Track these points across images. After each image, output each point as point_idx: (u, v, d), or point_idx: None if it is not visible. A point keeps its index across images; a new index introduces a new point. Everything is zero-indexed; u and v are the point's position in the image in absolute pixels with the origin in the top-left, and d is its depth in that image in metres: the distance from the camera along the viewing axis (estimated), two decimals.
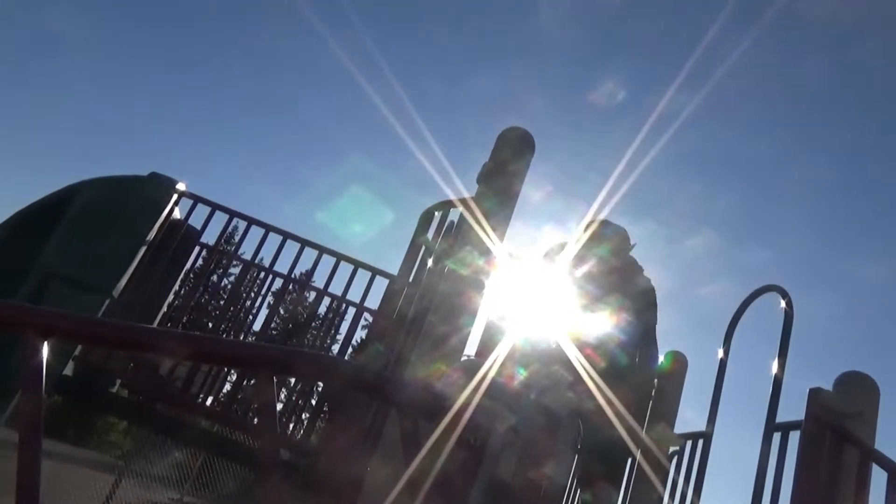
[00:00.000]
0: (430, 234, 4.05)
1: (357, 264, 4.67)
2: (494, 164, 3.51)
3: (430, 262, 3.96)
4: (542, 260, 3.44)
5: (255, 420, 4.18)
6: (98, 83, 54.46)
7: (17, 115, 52.39)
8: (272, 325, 5.96)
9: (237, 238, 4.80)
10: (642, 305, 2.77)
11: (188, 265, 4.77)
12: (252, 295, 5.06)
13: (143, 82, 56.29)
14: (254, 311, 4.99)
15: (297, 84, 56.90)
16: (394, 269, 4.55)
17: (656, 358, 3.00)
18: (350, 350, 5.89)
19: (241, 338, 4.93)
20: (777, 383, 3.13)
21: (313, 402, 5.09)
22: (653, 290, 3.26)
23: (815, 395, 2.94)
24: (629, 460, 3.48)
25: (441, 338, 3.09)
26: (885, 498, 2.63)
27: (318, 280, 4.82)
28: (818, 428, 2.68)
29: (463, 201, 3.55)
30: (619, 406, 2.68)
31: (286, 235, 4.60)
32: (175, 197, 4.48)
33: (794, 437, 2.95)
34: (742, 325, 3.63)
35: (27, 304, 1.24)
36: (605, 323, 3.07)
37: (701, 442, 3.57)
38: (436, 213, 4.04)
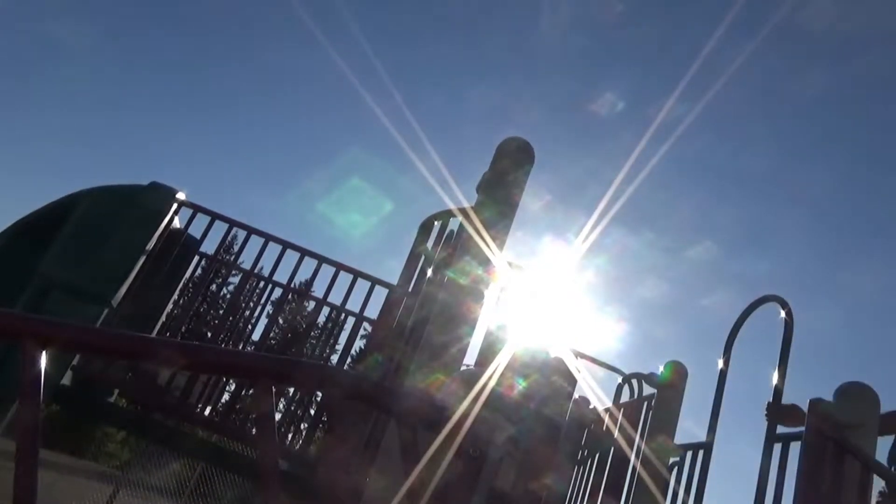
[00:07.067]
0: (430, 244, 4.06)
1: (356, 274, 4.67)
2: (494, 173, 3.52)
3: (429, 272, 3.96)
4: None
5: (254, 430, 4.16)
6: (98, 92, 54.64)
7: (17, 123, 52.54)
8: (271, 335, 5.95)
9: (237, 247, 4.81)
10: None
11: (187, 274, 4.77)
12: (251, 304, 5.06)
13: (144, 91, 56.50)
14: (253, 320, 5.00)
15: (298, 93, 57.10)
16: (393, 279, 4.55)
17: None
18: (349, 360, 5.87)
19: (241, 347, 4.92)
20: (777, 394, 3.13)
21: (312, 412, 5.08)
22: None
23: (815, 405, 2.93)
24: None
25: (440, 348, 3.09)
26: None
27: (318, 290, 4.83)
28: (819, 439, 2.67)
29: (462, 211, 3.56)
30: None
31: (286, 245, 4.60)
32: (175, 206, 4.49)
33: (795, 447, 2.94)
34: (742, 335, 3.63)
35: (26, 312, 1.24)
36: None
37: (701, 452, 3.56)
38: (435, 223, 4.04)
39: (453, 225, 3.88)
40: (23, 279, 4.03)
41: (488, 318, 3.58)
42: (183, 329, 4.79)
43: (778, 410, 3.04)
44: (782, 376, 3.12)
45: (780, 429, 3.07)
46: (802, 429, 2.84)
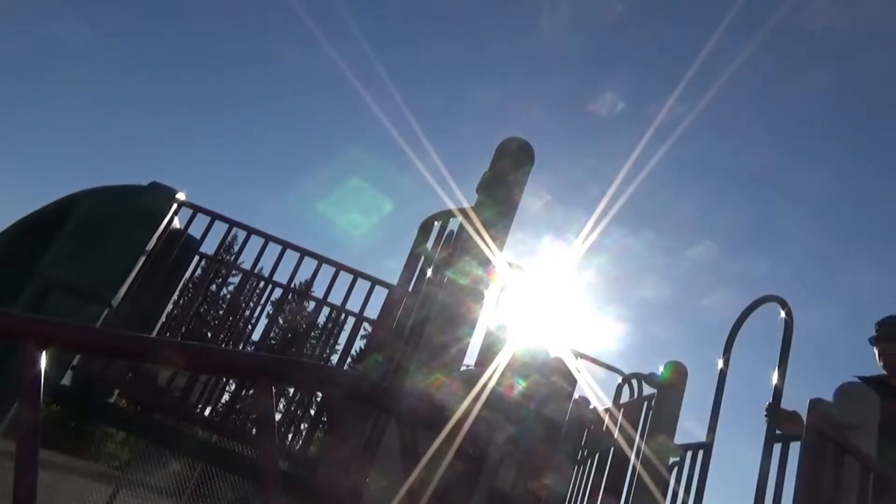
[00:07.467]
0: (430, 244, 4.06)
1: (356, 274, 4.67)
2: (494, 173, 3.52)
3: (429, 272, 3.96)
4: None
5: (254, 430, 4.16)
6: (98, 92, 54.65)
7: (17, 123, 52.54)
8: (271, 335, 5.95)
9: (237, 247, 4.80)
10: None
11: (187, 275, 4.77)
12: (251, 304, 5.06)
13: (144, 91, 56.50)
14: (253, 320, 5.00)
15: (298, 93, 57.10)
16: (393, 279, 4.55)
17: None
18: (349, 360, 5.87)
19: (241, 347, 4.92)
20: (777, 394, 3.13)
21: (312, 412, 5.08)
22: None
23: (815, 405, 2.93)
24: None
25: (440, 348, 3.09)
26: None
27: (318, 290, 4.83)
28: (818, 439, 2.67)
29: (462, 211, 3.55)
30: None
31: (286, 245, 4.60)
32: (175, 206, 4.49)
33: (795, 448, 2.94)
34: (742, 335, 3.63)
35: (26, 312, 1.24)
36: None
37: (701, 452, 3.56)
38: (435, 223, 4.04)
39: (453, 225, 3.88)
40: (23, 279, 4.03)
41: (488, 318, 3.58)
42: (183, 329, 4.79)
43: (778, 412, 3.04)
44: (782, 376, 3.12)
45: None
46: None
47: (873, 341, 3.45)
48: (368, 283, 4.69)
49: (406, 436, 1.20)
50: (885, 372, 3.40)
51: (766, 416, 3.10)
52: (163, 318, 4.69)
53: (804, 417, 2.78)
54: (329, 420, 4.70)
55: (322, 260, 4.64)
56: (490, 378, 2.64)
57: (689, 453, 3.76)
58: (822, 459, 2.59)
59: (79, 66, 53.39)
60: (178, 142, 56.25)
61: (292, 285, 4.74)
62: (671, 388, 4.35)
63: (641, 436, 4.21)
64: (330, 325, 4.90)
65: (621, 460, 4.13)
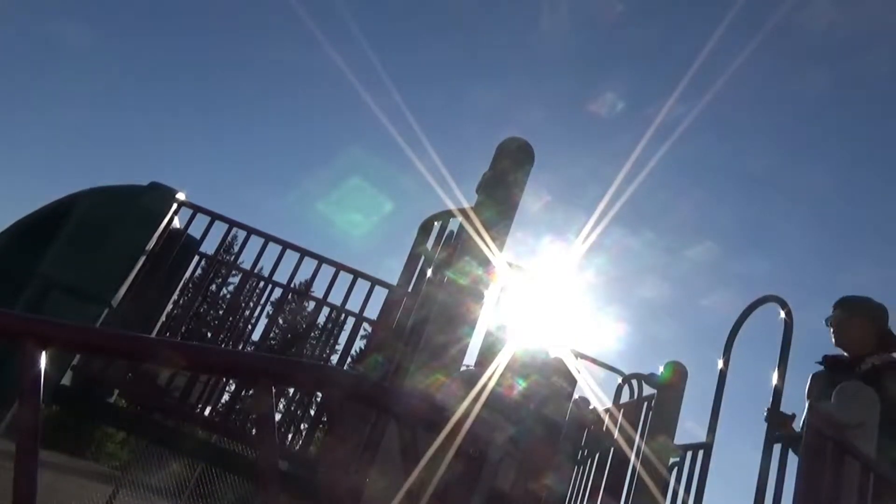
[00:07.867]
0: (430, 244, 4.06)
1: (356, 274, 4.67)
2: (494, 174, 3.52)
3: (429, 272, 3.96)
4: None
5: (254, 430, 4.15)
6: (98, 93, 54.67)
7: (17, 123, 52.54)
8: (271, 335, 5.95)
9: (237, 248, 4.80)
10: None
11: (187, 275, 4.77)
12: (251, 304, 5.06)
13: (144, 91, 56.52)
14: (253, 320, 4.99)
15: (298, 93, 57.14)
16: (393, 279, 4.55)
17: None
18: (349, 360, 5.87)
19: (241, 347, 4.92)
20: (777, 394, 3.12)
21: (312, 412, 5.08)
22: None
23: (815, 406, 2.93)
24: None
25: (440, 348, 3.09)
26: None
27: (318, 290, 4.83)
28: (818, 439, 2.67)
29: (462, 211, 3.56)
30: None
31: (286, 245, 4.60)
32: (175, 206, 4.49)
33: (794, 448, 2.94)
34: (742, 335, 3.63)
35: (26, 313, 1.24)
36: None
37: (701, 453, 3.56)
38: (435, 223, 4.04)
39: (453, 225, 3.89)
40: (23, 279, 4.03)
41: (488, 318, 3.58)
42: (183, 329, 4.79)
43: (777, 416, 3.05)
44: (782, 377, 3.12)
45: None
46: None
47: (828, 322, 3.50)
48: (368, 284, 4.69)
49: (406, 436, 1.20)
50: (842, 352, 3.45)
51: (765, 418, 3.11)
52: (163, 318, 4.69)
53: (805, 417, 2.78)
54: (329, 420, 4.70)
55: (322, 260, 4.64)
56: (490, 378, 2.64)
57: (689, 453, 3.76)
58: (822, 460, 2.59)
59: (79, 66, 53.42)
60: (178, 142, 56.30)
61: (292, 285, 4.73)
62: (671, 388, 4.35)
63: (641, 436, 4.21)
64: (330, 325, 4.90)
65: (621, 460, 4.13)
